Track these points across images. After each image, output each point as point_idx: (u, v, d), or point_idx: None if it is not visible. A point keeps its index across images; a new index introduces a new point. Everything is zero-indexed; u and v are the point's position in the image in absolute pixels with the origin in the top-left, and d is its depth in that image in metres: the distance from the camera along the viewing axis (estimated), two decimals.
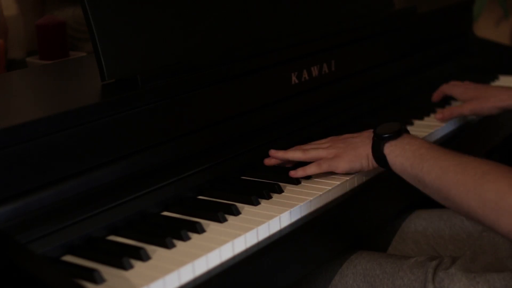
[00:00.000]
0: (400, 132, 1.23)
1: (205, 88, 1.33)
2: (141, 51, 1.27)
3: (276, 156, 1.37)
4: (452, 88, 1.71)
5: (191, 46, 1.35)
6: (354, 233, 1.36)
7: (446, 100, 1.78)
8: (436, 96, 1.77)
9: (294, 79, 1.52)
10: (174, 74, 1.29)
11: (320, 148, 1.34)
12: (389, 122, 1.27)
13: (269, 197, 1.25)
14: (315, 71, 1.58)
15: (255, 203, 1.23)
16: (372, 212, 1.40)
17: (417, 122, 1.66)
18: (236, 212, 1.19)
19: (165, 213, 1.22)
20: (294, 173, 1.31)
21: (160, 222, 1.18)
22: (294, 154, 1.35)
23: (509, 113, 1.66)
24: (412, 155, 1.19)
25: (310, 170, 1.31)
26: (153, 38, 1.29)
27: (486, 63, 2.13)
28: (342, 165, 1.30)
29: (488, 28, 3.11)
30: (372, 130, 1.28)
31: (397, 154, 1.21)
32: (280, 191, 1.27)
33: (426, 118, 1.69)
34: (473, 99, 1.63)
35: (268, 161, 1.38)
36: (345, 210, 1.30)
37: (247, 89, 1.42)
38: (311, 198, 1.24)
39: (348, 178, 1.33)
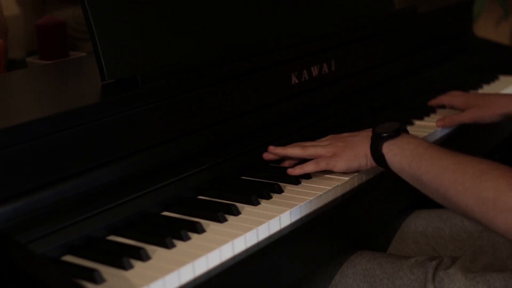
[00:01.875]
0: (399, 131, 1.24)
1: (205, 88, 1.33)
2: (141, 51, 1.27)
3: (275, 152, 1.37)
4: (453, 99, 1.70)
5: (191, 46, 1.35)
6: (354, 233, 1.36)
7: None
8: (432, 102, 1.75)
9: (294, 79, 1.52)
10: (174, 74, 1.29)
11: (319, 146, 1.34)
12: (388, 121, 1.27)
13: (269, 197, 1.25)
14: (315, 71, 1.58)
15: (255, 203, 1.23)
16: (372, 212, 1.40)
17: (417, 122, 1.66)
18: (236, 212, 1.19)
19: (165, 213, 1.22)
20: (292, 171, 1.31)
21: (160, 222, 1.18)
22: (293, 151, 1.35)
23: None
24: (410, 154, 1.19)
25: (308, 168, 1.31)
26: (153, 38, 1.29)
27: (486, 63, 2.13)
28: (340, 164, 1.30)
29: (488, 28, 3.11)
30: (371, 129, 1.28)
31: (396, 153, 1.21)
32: (280, 191, 1.27)
33: (426, 118, 1.69)
34: (473, 107, 1.62)
35: (266, 156, 1.38)
36: (345, 210, 1.30)
37: (247, 89, 1.42)
38: (311, 198, 1.24)
39: (348, 179, 1.33)
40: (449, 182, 1.11)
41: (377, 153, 1.24)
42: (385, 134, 1.24)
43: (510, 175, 1.04)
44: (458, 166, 1.11)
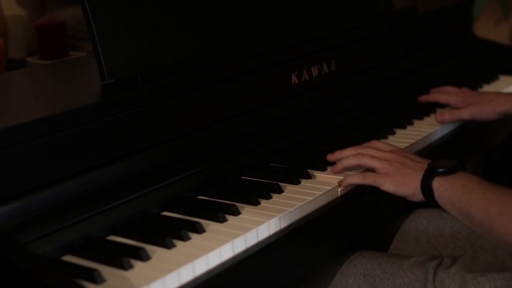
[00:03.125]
0: (455, 169, 1.22)
1: (205, 88, 1.33)
2: (141, 51, 1.27)
3: (334, 158, 1.36)
4: (449, 97, 1.69)
5: (191, 46, 1.35)
6: (355, 233, 1.36)
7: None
8: (423, 99, 1.73)
9: (294, 79, 1.52)
10: (174, 74, 1.29)
11: (376, 158, 1.31)
12: (446, 158, 1.26)
13: (269, 197, 1.25)
14: (315, 71, 1.57)
15: (255, 203, 1.23)
16: (373, 212, 1.40)
17: (417, 122, 1.66)
18: (236, 212, 1.19)
19: (165, 213, 1.22)
20: (340, 182, 1.31)
21: (160, 222, 1.18)
22: (348, 161, 1.33)
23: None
24: (461, 189, 1.18)
25: (354, 180, 1.31)
26: (153, 38, 1.29)
27: (486, 63, 2.12)
28: (387, 185, 1.28)
29: (488, 28, 3.11)
30: (429, 161, 1.26)
31: (446, 188, 1.20)
32: (280, 191, 1.27)
33: (426, 118, 1.69)
34: (472, 104, 1.62)
35: (331, 157, 1.37)
36: (345, 210, 1.30)
37: (247, 89, 1.42)
38: (311, 198, 1.24)
39: None
40: (494, 214, 1.11)
41: (427, 187, 1.23)
42: (440, 170, 1.22)
43: None
44: (504, 198, 1.11)
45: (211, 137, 1.34)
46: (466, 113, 1.62)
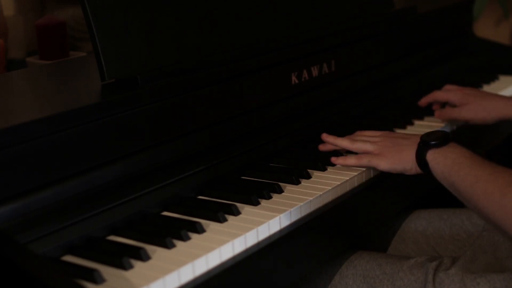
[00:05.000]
0: (446, 140, 1.25)
1: (205, 88, 1.33)
2: (141, 51, 1.27)
3: (328, 140, 1.42)
4: (448, 94, 1.66)
5: (191, 46, 1.35)
6: (354, 233, 1.36)
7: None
8: (423, 102, 1.72)
9: (294, 79, 1.52)
10: (174, 74, 1.29)
11: (369, 142, 1.37)
12: (437, 130, 1.29)
13: (269, 197, 1.25)
14: (315, 71, 1.57)
15: (255, 203, 1.23)
16: (372, 212, 1.40)
17: (417, 122, 1.66)
18: (236, 212, 1.19)
19: (165, 213, 1.22)
20: (334, 160, 1.37)
21: (160, 222, 1.18)
22: (342, 142, 1.39)
23: None
24: (452, 163, 1.20)
25: (350, 161, 1.35)
26: (153, 38, 1.29)
27: (486, 63, 2.12)
28: (383, 164, 1.33)
29: (488, 28, 3.11)
30: (420, 135, 1.29)
31: (439, 161, 1.23)
32: (280, 191, 1.27)
33: (426, 118, 1.69)
34: (470, 104, 1.59)
35: (322, 147, 1.44)
36: (346, 210, 1.30)
37: (247, 89, 1.42)
38: (311, 198, 1.24)
39: (348, 179, 1.33)
40: (480, 192, 1.12)
41: (422, 160, 1.26)
42: (432, 142, 1.25)
43: None
44: (491, 177, 1.12)
45: (211, 137, 1.34)
46: (462, 116, 1.60)
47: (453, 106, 1.65)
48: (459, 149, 1.23)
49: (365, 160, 1.34)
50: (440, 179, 1.23)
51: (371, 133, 1.41)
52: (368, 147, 1.36)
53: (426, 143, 1.26)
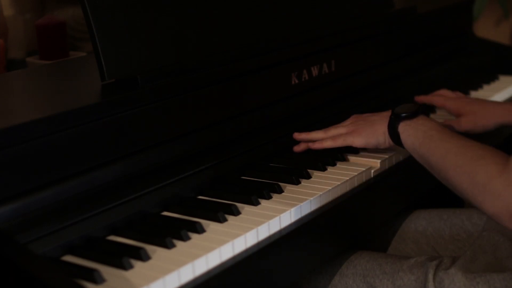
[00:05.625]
0: (417, 112, 1.28)
1: (205, 88, 1.33)
2: (141, 51, 1.27)
3: (300, 137, 1.44)
4: (445, 102, 1.64)
5: (191, 46, 1.35)
6: (354, 233, 1.36)
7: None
8: (420, 100, 1.70)
9: (294, 79, 1.52)
10: (174, 74, 1.29)
11: (341, 126, 1.41)
12: (408, 103, 1.32)
13: (269, 197, 1.25)
14: (315, 71, 1.58)
15: (255, 203, 1.23)
16: (372, 212, 1.40)
17: None
18: (236, 212, 1.19)
19: (165, 213, 1.22)
20: (311, 145, 1.40)
21: (160, 222, 1.18)
22: (317, 134, 1.42)
23: None
24: (422, 135, 1.23)
25: (326, 143, 1.39)
26: (153, 38, 1.29)
27: (486, 63, 2.12)
28: (358, 140, 1.37)
29: (488, 28, 3.11)
30: (391, 109, 1.32)
31: (410, 133, 1.26)
32: (280, 191, 1.27)
33: None
34: (468, 114, 1.57)
35: (297, 148, 1.44)
36: (345, 210, 1.30)
37: (247, 89, 1.42)
38: (311, 198, 1.24)
39: (347, 178, 1.33)
40: (450, 165, 1.15)
41: (393, 132, 1.30)
42: (403, 114, 1.28)
43: (503, 162, 1.08)
44: (460, 149, 1.15)
45: (211, 137, 1.34)
46: (462, 126, 1.57)
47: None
48: (429, 121, 1.26)
49: (340, 140, 1.38)
50: (411, 150, 1.27)
51: (343, 123, 1.45)
52: (341, 130, 1.40)
53: (397, 115, 1.29)
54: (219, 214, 1.16)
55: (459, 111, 1.59)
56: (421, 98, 1.72)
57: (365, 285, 1.30)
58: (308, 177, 1.34)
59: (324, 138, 1.41)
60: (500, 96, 1.92)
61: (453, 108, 1.61)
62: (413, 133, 1.26)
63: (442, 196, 1.61)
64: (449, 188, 1.18)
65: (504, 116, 1.56)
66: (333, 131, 1.41)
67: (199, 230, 1.12)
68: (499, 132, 1.81)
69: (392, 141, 1.32)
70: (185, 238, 1.10)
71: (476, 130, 1.57)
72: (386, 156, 1.42)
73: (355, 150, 1.44)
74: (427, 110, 1.72)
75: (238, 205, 1.21)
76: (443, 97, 1.67)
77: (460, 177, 1.13)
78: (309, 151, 1.47)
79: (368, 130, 1.37)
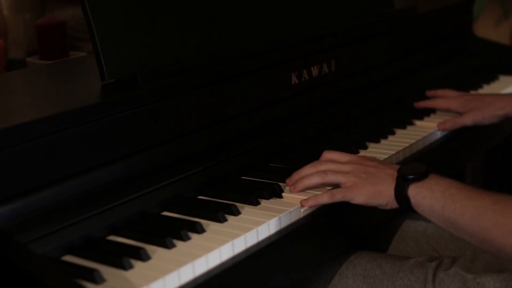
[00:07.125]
0: (426, 173, 1.17)
1: (205, 88, 1.33)
2: (141, 51, 1.27)
3: (293, 184, 1.27)
4: (449, 103, 1.67)
5: (191, 46, 1.35)
6: (355, 233, 1.36)
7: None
8: (421, 105, 1.71)
9: (294, 79, 1.52)
10: (174, 74, 1.29)
11: (340, 172, 1.24)
12: (413, 162, 1.22)
13: (269, 197, 1.25)
14: (315, 71, 1.58)
15: (255, 203, 1.22)
16: (373, 212, 1.39)
17: (417, 122, 1.66)
18: (236, 212, 1.19)
19: (165, 213, 1.22)
20: (305, 202, 1.22)
21: (160, 222, 1.18)
22: (311, 181, 1.25)
23: None
24: (442, 196, 1.13)
25: (322, 199, 1.22)
26: (153, 38, 1.29)
27: (486, 63, 2.12)
28: (358, 198, 1.21)
29: (488, 28, 3.11)
30: (396, 168, 1.22)
31: (425, 195, 1.15)
32: (280, 191, 1.27)
33: (426, 118, 1.69)
34: (473, 109, 1.62)
35: (293, 190, 1.26)
36: (346, 210, 1.30)
37: (247, 89, 1.42)
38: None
39: None
40: (489, 225, 1.06)
41: (402, 196, 1.18)
42: (411, 176, 1.17)
43: None
44: (498, 206, 1.07)
45: (211, 137, 1.34)
46: (468, 120, 1.62)
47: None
48: (443, 179, 1.16)
49: (338, 196, 1.22)
50: (428, 214, 1.16)
51: (339, 157, 1.28)
52: (340, 179, 1.23)
53: (405, 177, 1.18)
54: (219, 214, 1.16)
55: (464, 108, 1.64)
56: (422, 104, 1.73)
57: (365, 285, 1.30)
58: None
59: (320, 183, 1.25)
60: None
61: (457, 106, 1.66)
62: (428, 194, 1.14)
63: None
64: (489, 250, 1.09)
65: (506, 107, 1.60)
66: (332, 177, 1.24)
67: (199, 230, 1.12)
68: (500, 129, 1.82)
69: (396, 204, 1.19)
70: (185, 238, 1.10)
71: (483, 123, 1.62)
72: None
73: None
74: (427, 111, 1.72)
75: (238, 205, 1.21)
76: (445, 99, 1.69)
77: (507, 237, 1.04)
78: (308, 151, 1.47)
79: (370, 189, 1.20)
